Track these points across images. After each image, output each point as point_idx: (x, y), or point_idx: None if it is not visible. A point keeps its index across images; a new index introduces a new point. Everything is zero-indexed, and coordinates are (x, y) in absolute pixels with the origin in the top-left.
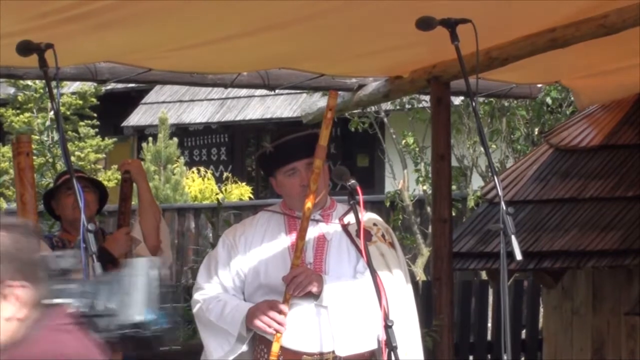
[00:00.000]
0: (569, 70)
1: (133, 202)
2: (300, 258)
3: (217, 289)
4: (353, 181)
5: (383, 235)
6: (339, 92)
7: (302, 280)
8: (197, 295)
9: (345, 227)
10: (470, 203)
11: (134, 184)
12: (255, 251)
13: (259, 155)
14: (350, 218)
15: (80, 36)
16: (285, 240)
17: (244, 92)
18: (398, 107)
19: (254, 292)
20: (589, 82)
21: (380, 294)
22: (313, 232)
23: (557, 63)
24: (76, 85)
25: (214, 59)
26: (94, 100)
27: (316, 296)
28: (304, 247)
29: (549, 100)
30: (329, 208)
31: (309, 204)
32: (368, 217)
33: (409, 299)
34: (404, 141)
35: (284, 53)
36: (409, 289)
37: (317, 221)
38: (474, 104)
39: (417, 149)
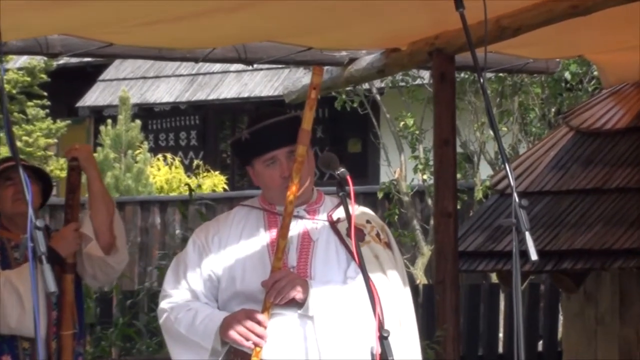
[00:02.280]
0: (594, 43)
1: (82, 194)
2: (281, 260)
3: (187, 296)
4: (342, 169)
5: (378, 234)
6: (327, 68)
7: (284, 285)
8: (163, 304)
9: (334, 225)
10: (478, 194)
11: (83, 173)
12: (231, 253)
13: (233, 141)
14: (339, 213)
15: (30, 10)
16: (265, 239)
17: (217, 67)
18: (391, 85)
19: (229, 300)
20: (617, 57)
21: (374, 301)
22: (296, 230)
23: (579, 37)
24: (23, 60)
25: (186, 36)
26: (44, 76)
27: (300, 304)
28: (286, 248)
29: (567, 75)
30: (315, 202)
31: (291, 198)
32: (360, 212)
33: (407, 306)
34: (401, 123)
35: (266, 27)
36: (407, 294)
37: (301, 217)
38: (481, 80)
39: (416, 132)
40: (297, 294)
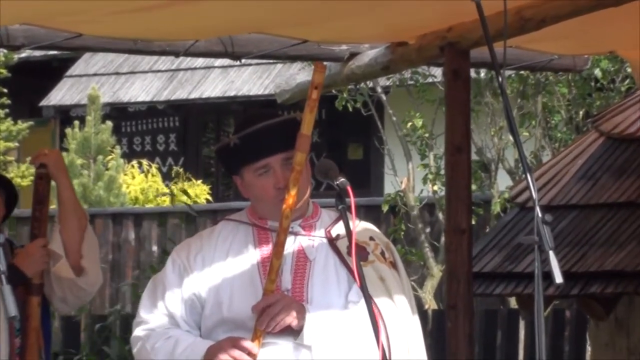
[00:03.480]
0: (627, 38)
1: (51, 206)
2: (275, 282)
3: (165, 322)
4: (342, 179)
5: (382, 253)
6: (325, 64)
7: (277, 311)
8: (139, 331)
9: (333, 242)
10: (496, 208)
11: (52, 182)
12: (216, 274)
13: (220, 148)
14: (339, 229)
15: None
16: (255, 259)
17: (200, 62)
18: (398, 84)
19: (214, 328)
20: None
21: (378, 329)
22: (291, 248)
23: (611, 30)
24: None
25: (165, 26)
26: (4, 71)
27: (296, 332)
28: (280, 269)
29: (597, 73)
30: (312, 216)
31: (287, 212)
32: (362, 228)
33: (416, 334)
34: (409, 124)
35: (256, 17)
36: (416, 321)
37: (296, 234)
38: (500, 78)
39: (426, 136)
40: (293, 320)
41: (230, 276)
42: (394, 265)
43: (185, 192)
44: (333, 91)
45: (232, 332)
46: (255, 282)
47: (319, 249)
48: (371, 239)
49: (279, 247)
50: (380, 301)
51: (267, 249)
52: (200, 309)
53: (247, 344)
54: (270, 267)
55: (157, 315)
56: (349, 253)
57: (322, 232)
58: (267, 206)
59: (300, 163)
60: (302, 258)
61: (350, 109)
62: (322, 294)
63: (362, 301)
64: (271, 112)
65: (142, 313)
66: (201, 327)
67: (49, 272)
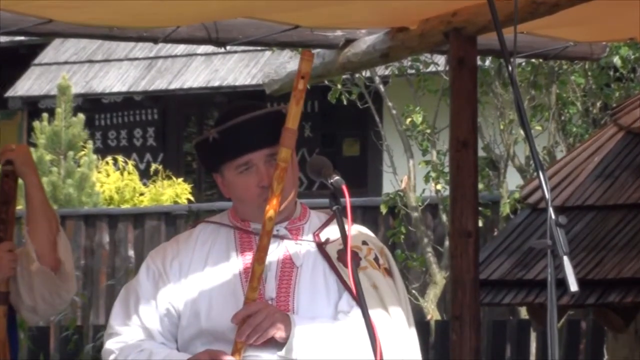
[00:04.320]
0: None
1: (19, 206)
2: (257, 290)
3: (139, 334)
4: (337, 177)
5: (376, 259)
6: (318, 51)
7: (260, 321)
8: (110, 344)
9: (321, 247)
10: (505, 209)
11: (20, 180)
12: (194, 281)
13: (198, 142)
14: (329, 233)
15: None
16: (237, 265)
17: (181, 49)
18: (397, 73)
19: (191, 340)
20: None
21: (376, 342)
22: (276, 253)
23: (631, 15)
24: None
25: (142, 10)
26: None
27: (280, 344)
28: (262, 275)
29: (616, 61)
30: (299, 218)
31: (271, 213)
32: (356, 231)
33: (412, 349)
34: (408, 120)
35: (243, 1)
36: (412, 334)
37: (282, 237)
38: (510, 67)
39: (427, 131)
40: (277, 331)
41: (209, 283)
42: (388, 272)
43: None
44: (326, 82)
45: (211, 344)
46: (237, 290)
47: (307, 254)
48: (364, 243)
49: (261, 252)
50: (373, 312)
51: (249, 254)
52: (176, 319)
53: (227, 358)
54: (251, 274)
55: (131, 326)
56: (340, 258)
57: (310, 236)
58: (250, 207)
59: (285, 160)
60: (288, 264)
61: (345, 102)
62: (310, 303)
63: (354, 311)
64: (255, 104)
65: (114, 324)
66: (178, 339)
67: (16, 279)
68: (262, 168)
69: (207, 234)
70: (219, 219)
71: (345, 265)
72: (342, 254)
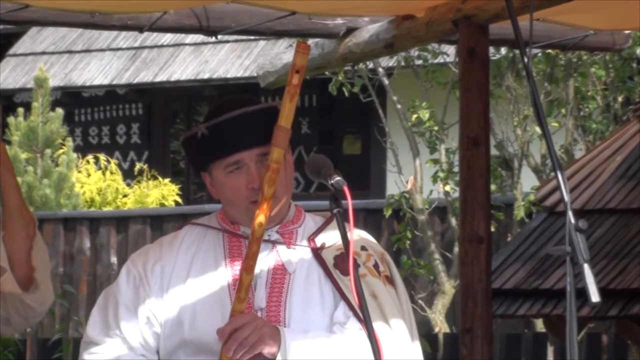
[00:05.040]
0: None
1: None
2: (245, 301)
3: (118, 347)
4: (338, 178)
5: (376, 265)
6: (316, 41)
7: (247, 335)
8: (86, 355)
9: (317, 252)
10: (519, 213)
11: None
12: (178, 288)
13: (186, 139)
14: (325, 237)
15: None
16: (225, 271)
17: (168, 38)
18: (403, 65)
19: (174, 351)
20: None
21: (379, 356)
22: (267, 260)
23: None
24: None
25: None
26: None
27: None
28: (251, 284)
29: None
30: (292, 221)
31: (261, 219)
32: (354, 235)
33: None
34: (414, 116)
35: None
36: (416, 349)
37: (274, 242)
38: (525, 58)
39: (436, 128)
40: (265, 347)
41: (193, 290)
42: (389, 280)
43: None
44: (326, 73)
45: (194, 356)
46: (224, 299)
47: (301, 260)
48: (363, 248)
49: (249, 260)
50: (373, 324)
51: (238, 260)
52: (158, 329)
53: None
54: (239, 284)
55: (109, 337)
56: (337, 265)
57: (304, 241)
58: (239, 209)
59: (277, 161)
60: (280, 271)
61: (347, 94)
62: (303, 314)
63: (352, 323)
64: (248, 99)
65: (91, 332)
66: (160, 349)
67: None
68: (253, 168)
69: (193, 236)
70: (207, 221)
71: (343, 273)
72: (339, 260)
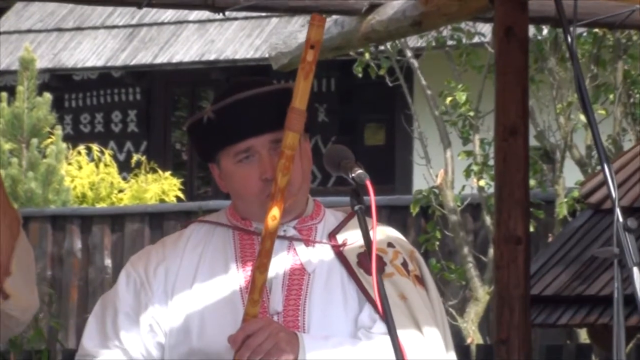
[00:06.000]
0: None
1: None
2: (259, 304)
3: (117, 357)
4: (360, 171)
5: (405, 264)
6: (336, 18)
7: (262, 341)
8: None
9: (339, 251)
10: (561, 210)
11: None
12: (184, 293)
13: (191, 124)
14: (348, 235)
15: None
16: (236, 273)
17: (169, 15)
18: (434, 45)
19: None
20: None
21: None
22: (284, 259)
23: None
24: None
25: None
26: None
27: None
28: (266, 285)
29: None
30: (311, 217)
31: (275, 211)
32: (380, 232)
33: None
34: (448, 99)
35: None
36: (451, 359)
37: (291, 239)
38: (569, 38)
39: (470, 114)
40: (282, 354)
41: (201, 295)
42: (420, 280)
43: None
44: (351, 54)
45: None
46: (235, 303)
47: (321, 260)
48: (390, 245)
49: (263, 257)
50: (402, 331)
51: (251, 259)
52: (162, 338)
53: None
54: (252, 284)
55: (106, 347)
56: (361, 263)
57: (325, 238)
58: (251, 203)
59: (292, 146)
60: (298, 271)
61: (373, 76)
62: (323, 318)
63: (377, 327)
64: (260, 80)
65: (87, 344)
66: None
67: None
68: (266, 157)
69: (201, 235)
70: (215, 218)
71: (368, 272)
72: (363, 258)
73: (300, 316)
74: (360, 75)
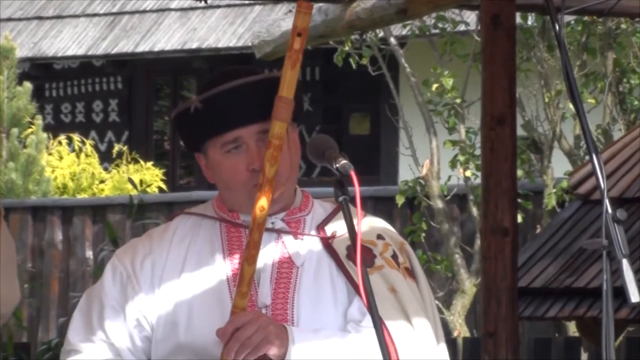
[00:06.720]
0: None
1: None
2: (247, 297)
3: (104, 353)
4: (344, 161)
5: (394, 256)
6: (319, 5)
7: (250, 334)
8: None
9: (328, 243)
10: (550, 201)
11: None
12: (171, 286)
13: (177, 114)
14: (336, 226)
15: None
16: (223, 266)
17: (151, 3)
18: (418, 34)
19: (167, 357)
20: None
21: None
22: (272, 251)
23: None
24: None
25: None
26: None
27: None
28: (254, 278)
29: None
30: (300, 209)
31: (262, 201)
32: (368, 223)
33: None
34: (434, 85)
35: None
36: (442, 352)
37: (279, 231)
38: (557, 26)
39: (456, 102)
40: (271, 347)
41: (188, 288)
42: (410, 272)
43: (131, 182)
44: (331, 43)
45: None
46: (223, 296)
47: (310, 252)
48: (379, 237)
49: (251, 249)
50: (392, 323)
51: (238, 252)
52: (149, 333)
53: None
54: (240, 277)
55: (93, 342)
56: (350, 256)
57: (313, 230)
58: (238, 194)
59: (279, 136)
60: (287, 264)
61: (354, 66)
62: (313, 311)
63: (367, 320)
64: (247, 69)
65: (73, 339)
66: (151, 355)
67: None
68: (254, 147)
69: (187, 227)
70: (202, 210)
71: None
72: (352, 251)
73: (289, 310)
74: (340, 65)
